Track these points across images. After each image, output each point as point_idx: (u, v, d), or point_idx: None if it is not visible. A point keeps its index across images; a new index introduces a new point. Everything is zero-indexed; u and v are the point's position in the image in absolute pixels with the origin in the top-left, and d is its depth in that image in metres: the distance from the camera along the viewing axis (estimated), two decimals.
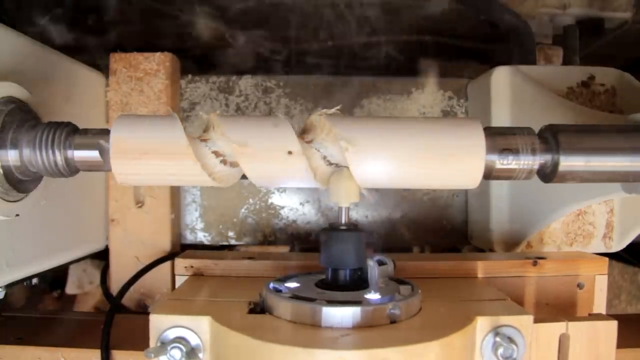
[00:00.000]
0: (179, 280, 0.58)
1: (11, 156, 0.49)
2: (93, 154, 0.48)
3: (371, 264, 0.45)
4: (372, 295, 0.44)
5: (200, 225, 0.90)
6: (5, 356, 0.61)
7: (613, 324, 0.48)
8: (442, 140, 0.45)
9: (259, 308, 0.46)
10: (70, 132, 0.49)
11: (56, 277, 0.99)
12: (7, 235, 0.58)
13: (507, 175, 0.48)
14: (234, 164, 0.47)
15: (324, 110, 0.46)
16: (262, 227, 0.90)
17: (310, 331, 0.41)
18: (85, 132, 0.49)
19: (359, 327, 0.41)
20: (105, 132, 0.48)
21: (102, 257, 0.86)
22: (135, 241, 0.82)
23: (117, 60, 0.82)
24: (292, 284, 0.48)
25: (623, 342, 0.48)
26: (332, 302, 0.42)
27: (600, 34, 0.88)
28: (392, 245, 0.90)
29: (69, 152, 0.48)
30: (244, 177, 0.47)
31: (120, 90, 0.82)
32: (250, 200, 0.90)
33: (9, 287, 0.59)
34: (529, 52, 0.82)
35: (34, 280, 0.84)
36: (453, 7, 0.83)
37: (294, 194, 0.90)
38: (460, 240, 0.91)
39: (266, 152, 0.45)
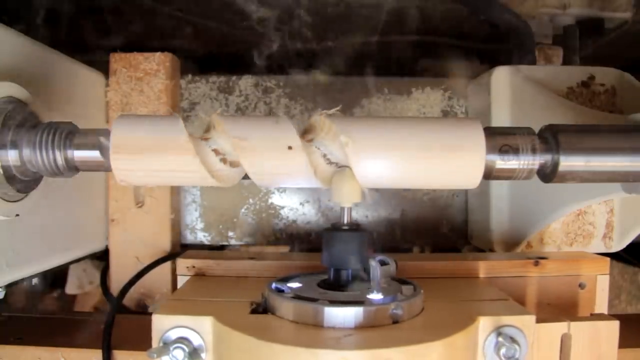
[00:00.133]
0: (181, 280, 0.58)
1: (11, 156, 0.49)
2: (93, 154, 0.48)
3: (373, 264, 0.45)
4: (375, 296, 0.44)
5: (200, 225, 0.90)
6: (5, 356, 0.61)
7: (615, 324, 0.48)
8: (442, 140, 0.45)
9: (261, 308, 0.46)
10: (70, 132, 0.49)
11: (56, 277, 0.99)
12: (7, 235, 0.58)
13: (507, 175, 0.48)
14: (233, 164, 0.47)
15: (324, 111, 0.46)
16: (262, 227, 0.90)
17: (313, 331, 0.41)
18: (85, 132, 0.49)
19: (361, 327, 0.41)
20: (106, 132, 0.48)
21: (102, 257, 0.86)
22: (135, 241, 0.82)
23: (117, 60, 0.82)
24: (295, 284, 0.48)
25: (623, 342, 0.48)
26: (334, 302, 0.43)
27: (600, 34, 0.88)
28: (392, 245, 0.90)
29: (69, 152, 0.48)
30: (245, 177, 0.47)
31: (120, 90, 0.82)
32: (250, 200, 0.90)
33: (9, 287, 0.59)
34: (529, 52, 0.82)
35: (34, 280, 0.84)
36: (453, 7, 0.83)
37: (294, 194, 0.90)
38: (460, 240, 0.91)
39: (266, 146, 0.44)
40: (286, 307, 0.44)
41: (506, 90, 0.78)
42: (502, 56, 0.85)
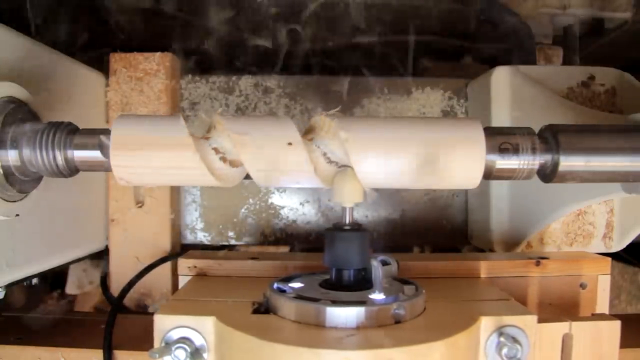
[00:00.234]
0: (182, 280, 0.58)
1: (11, 156, 0.49)
2: (93, 154, 0.48)
3: (375, 264, 0.45)
4: (377, 296, 0.44)
5: (200, 225, 0.90)
6: (5, 356, 0.61)
7: (616, 324, 0.48)
8: (442, 140, 0.45)
9: (263, 308, 0.46)
10: (70, 132, 0.49)
11: (56, 277, 0.99)
12: (7, 235, 0.58)
13: (507, 175, 0.48)
14: (233, 163, 0.47)
15: (325, 112, 0.46)
16: (262, 227, 0.90)
17: (315, 331, 0.41)
18: (85, 132, 0.49)
19: (363, 327, 0.41)
20: (106, 131, 0.48)
21: (102, 257, 0.86)
22: (135, 241, 0.82)
23: (117, 60, 0.82)
24: (296, 284, 0.48)
25: (623, 342, 0.48)
26: (336, 303, 0.43)
27: (600, 34, 0.88)
28: (391, 245, 0.90)
29: (69, 152, 0.48)
30: (246, 177, 0.47)
31: (120, 90, 0.82)
32: (250, 200, 0.90)
33: (9, 287, 0.59)
34: (529, 52, 0.83)
35: (34, 280, 0.84)
36: (453, 7, 0.83)
37: (294, 194, 0.90)
38: (460, 240, 0.91)
39: (266, 142, 0.45)
40: (288, 307, 0.44)
41: (506, 90, 0.78)
42: (502, 56, 0.85)
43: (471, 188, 0.47)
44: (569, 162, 0.47)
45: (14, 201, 0.53)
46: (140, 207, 0.83)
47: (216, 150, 0.46)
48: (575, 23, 0.87)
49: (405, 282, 0.49)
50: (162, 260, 0.79)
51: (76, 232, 0.76)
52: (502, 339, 0.43)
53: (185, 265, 0.59)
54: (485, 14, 0.82)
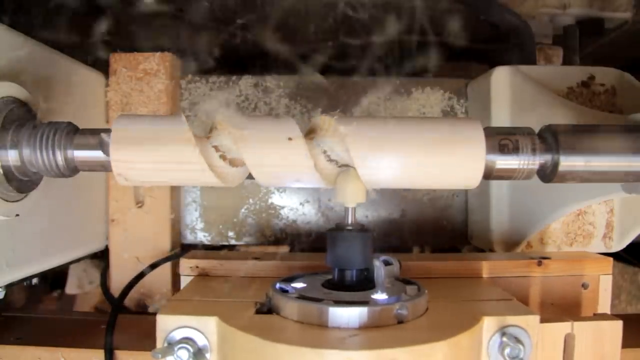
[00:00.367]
0: (184, 281, 0.58)
1: (11, 156, 0.49)
2: (93, 154, 0.48)
3: (377, 264, 0.45)
4: (379, 296, 0.44)
5: (200, 225, 0.90)
6: (5, 356, 0.61)
7: (618, 324, 0.48)
8: (442, 140, 0.45)
9: (266, 308, 0.46)
10: (70, 132, 0.49)
11: (56, 277, 0.99)
12: (7, 235, 0.58)
13: (507, 175, 0.48)
14: (233, 161, 0.46)
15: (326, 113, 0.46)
16: (262, 227, 0.90)
17: (318, 331, 0.41)
18: (85, 132, 0.49)
19: (366, 327, 0.41)
20: (107, 130, 0.48)
21: (102, 257, 0.86)
22: (135, 241, 0.82)
23: (117, 60, 0.82)
24: (299, 284, 0.48)
25: (624, 342, 0.48)
26: (339, 303, 0.43)
27: (600, 34, 0.88)
28: (391, 245, 0.90)
29: (69, 152, 0.48)
30: (249, 177, 0.47)
31: (120, 90, 0.82)
32: (250, 200, 0.90)
33: (9, 287, 0.59)
34: (529, 52, 0.83)
35: (34, 280, 0.84)
36: (453, 7, 0.83)
37: (294, 194, 0.90)
38: (460, 240, 0.91)
39: (266, 137, 0.45)
40: (291, 308, 0.44)
41: (506, 90, 0.78)
42: (502, 56, 0.85)
43: (471, 188, 0.47)
44: (569, 162, 0.47)
45: (14, 201, 0.53)
46: (140, 207, 0.82)
47: (216, 148, 0.46)
48: (575, 23, 0.87)
49: (408, 282, 0.49)
50: (163, 261, 0.79)
51: (76, 232, 0.76)
52: (504, 339, 0.43)
53: (187, 265, 0.59)
54: (486, 13, 0.82)
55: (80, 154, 0.48)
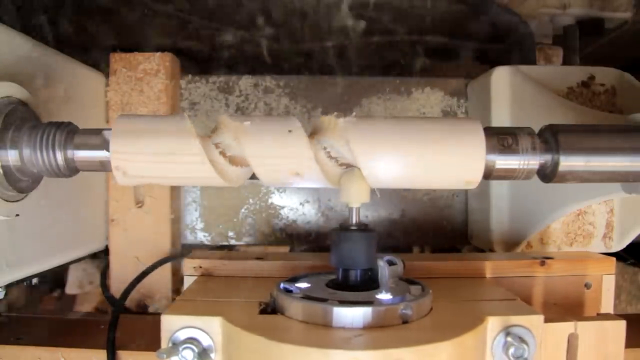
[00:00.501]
0: (187, 280, 0.58)
1: (11, 156, 0.49)
2: (93, 154, 0.48)
3: (381, 264, 0.45)
4: (384, 296, 0.44)
5: (200, 225, 0.90)
6: (5, 356, 0.61)
7: (621, 324, 0.48)
8: (443, 140, 0.45)
9: (270, 308, 0.46)
10: (70, 132, 0.49)
11: (56, 277, 0.99)
12: (7, 235, 0.58)
13: (507, 175, 0.48)
14: (233, 159, 0.46)
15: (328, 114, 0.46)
16: (262, 227, 0.90)
17: (324, 332, 0.41)
18: (85, 132, 0.49)
19: (370, 327, 0.41)
20: (107, 130, 0.48)
21: (102, 257, 0.86)
22: (135, 241, 0.82)
23: (117, 60, 0.82)
24: (303, 285, 0.48)
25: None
26: (344, 303, 0.43)
27: (600, 34, 0.88)
28: (392, 245, 0.90)
29: (69, 152, 0.48)
30: (252, 177, 0.47)
31: (120, 90, 0.82)
32: (250, 200, 0.90)
33: (9, 287, 0.59)
34: (529, 52, 0.83)
35: (34, 280, 0.84)
36: (453, 7, 0.83)
37: (294, 194, 0.90)
38: (460, 240, 0.91)
39: (266, 128, 0.45)
40: (295, 308, 0.44)
41: (506, 90, 0.78)
42: (502, 56, 0.85)
43: (471, 188, 0.47)
44: (569, 162, 0.47)
45: (14, 201, 0.53)
46: (140, 207, 0.82)
47: (217, 145, 0.46)
48: (575, 23, 0.87)
49: (411, 282, 0.49)
50: (164, 261, 0.79)
51: (76, 232, 0.76)
52: (509, 338, 0.43)
53: (191, 265, 0.59)
54: (486, 14, 0.82)
55: (80, 154, 0.48)
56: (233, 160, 0.47)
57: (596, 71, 0.79)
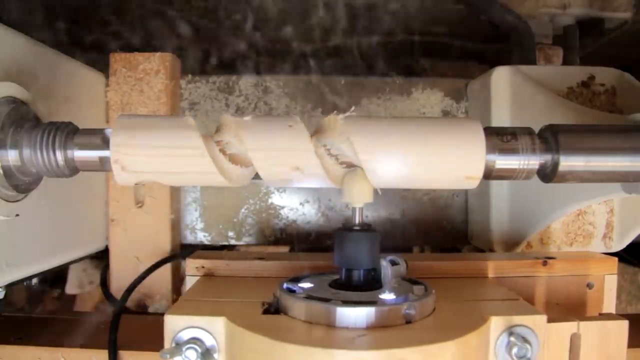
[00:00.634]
0: (190, 281, 0.58)
1: (11, 156, 0.49)
2: (93, 154, 0.48)
3: (384, 264, 0.45)
4: (387, 296, 0.44)
5: (200, 225, 0.90)
6: (5, 356, 0.61)
7: (624, 324, 0.48)
8: (443, 140, 0.45)
9: (273, 308, 0.46)
10: (70, 132, 0.49)
11: (56, 277, 0.99)
12: (7, 235, 0.58)
13: (507, 175, 0.48)
14: (233, 157, 0.46)
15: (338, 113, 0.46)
16: (262, 227, 0.90)
17: (327, 331, 0.41)
18: (85, 132, 0.49)
19: (373, 327, 0.41)
20: (108, 129, 0.48)
21: (102, 257, 0.86)
22: (135, 241, 0.82)
23: (117, 60, 0.82)
24: (306, 284, 0.48)
25: None
26: (347, 303, 0.43)
27: (600, 34, 0.88)
28: (391, 245, 0.90)
29: (69, 152, 0.48)
30: (255, 177, 0.47)
31: (120, 90, 0.82)
32: (250, 200, 0.90)
33: (9, 287, 0.59)
34: (529, 52, 0.83)
35: (34, 280, 0.84)
36: (453, 7, 0.84)
37: (294, 194, 0.90)
38: (460, 240, 0.91)
39: (267, 124, 0.45)
40: (299, 307, 0.44)
41: (506, 90, 0.78)
42: (502, 56, 0.85)
43: (471, 188, 0.47)
44: (569, 162, 0.47)
45: (14, 201, 0.53)
46: (140, 207, 0.82)
47: (218, 143, 0.46)
48: (575, 23, 0.87)
49: (414, 282, 0.49)
50: (166, 260, 0.79)
51: (76, 232, 0.76)
52: (512, 338, 0.43)
53: (194, 265, 0.59)
54: (486, 13, 0.82)
55: (80, 154, 0.48)
56: (233, 159, 0.46)
57: (596, 71, 0.79)
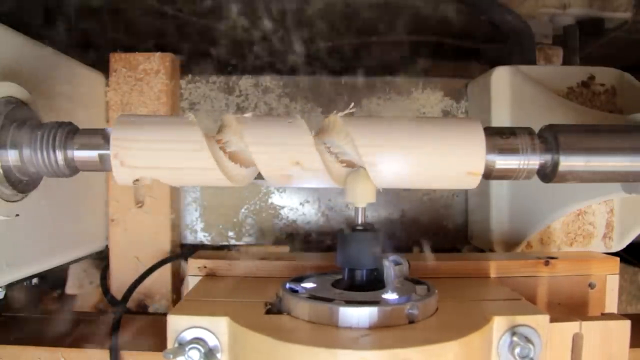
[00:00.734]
0: (192, 281, 0.58)
1: (11, 156, 0.49)
2: (93, 154, 0.48)
3: (387, 264, 0.45)
4: (390, 296, 0.44)
5: (200, 225, 0.90)
6: (5, 356, 0.61)
7: (626, 324, 0.48)
8: (443, 140, 0.45)
9: (276, 308, 0.46)
10: (70, 132, 0.49)
11: (56, 277, 0.99)
12: (7, 235, 0.58)
13: (507, 175, 0.48)
14: (234, 155, 0.46)
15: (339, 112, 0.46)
16: (262, 227, 0.90)
17: (331, 331, 0.41)
18: (85, 132, 0.49)
19: (377, 327, 0.41)
20: (108, 129, 0.48)
21: (102, 257, 0.86)
22: (135, 241, 0.82)
23: (117, 60, 0.82)
24: (309, 284, 0.48)
25: None
26: (350, 303, 0.43)
27: (600, 34, 0.88)
28: (391, 246, 0.90)
29: (69, 152, 0.48)
30: (257, 177, 0.47)
31: (120, 90, 0.82)
32: (250, 200, 0.90)
33: (9, 287, 0.59)
34: (529, 52, 0.83)
35: (34, 280, 0.84)
36: (453, 7, 0.83)
37: (294, 194, 0.90)
38: (460, 240, 0.91)
39: (267, 120, 0.46)
40: (302, 308, 0.44)
41: (506, 90, 0.78)
42: (502, 56, 0.85)
43: (471, 188, 0.47)
44: (569, 162, 0.47)
45: (14, 201, 0.53)
46: (140, 207, 0.82)
47: (219, 141, 0.46)
48: (575, 23, 0.87)
49: (417, 282, 0.49)
50: (166, 261, 0.79)
51: (76, 232, 0.76)
52: (515, 338, 0.43)
53: (195, 265, 0.59)
54: (486, 13, 0.82)
55: (80, 154, 0.48)
56: (234, 157, 0.46)
57: (596, 71, 0.79)
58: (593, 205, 0.78)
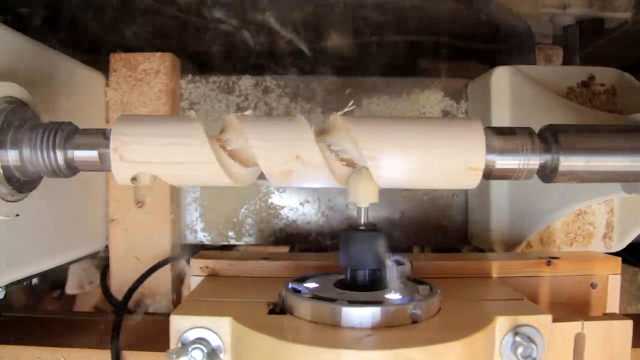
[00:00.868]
0: (194, 281, 0.58)
1: (11, 156, 0.49)
2: (93, 154, 0.48)
3: (390, 264, 0.45)
4: (393, 296, 0.44)
5: (200, 225, 0.90)
6: (5, 356, 0.61)
7: (628, 324, 0.48)
8: (443, 140, 0.45)
9: (279, 308, 0.46)
10: (70, 132, 0.49)
11: (56, 277, 0.99)
12: (7, 235, 0.58)
13: (507, 175, 0.48)
14: (234, 153, 0.46)
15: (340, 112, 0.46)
16: (262, 227, 0.90)
17: (333, 332, 0.41)
18: (85, 132, 0.49)
19: (380, 327, 0.41)
20: (108, 130, 0.48)
21: (102, 257, 0.86)
22: (135, 241, 0.82)
23: (117, 60, 0.82)
24: (311, 284, 0.48)
25: None
26: (353, 303, 0.43)
27: (600, 34, 0.88)
28: (391, 246, 0.90)
29: (69, 152, 0.48)
30: (260, 177, 0.47)
31: (120, 90, 0.82)
32: (250, 200, 0.90)
33: (9, 287, 0.59)
34: (529, 52, 0.83)
35: (34, 280, 0.84)
36: (453, 7, 0.83)
37: (294, 194, 0.90)
38: (460, 240, 0.91)
39: (267, 118, 0.46)
40: (304, 308, 0.44)
41: (506, 90, 0.78)
42: (502, 56, 0.85)
43: (471, 188, 0.47)
44: (569, 162, 0.47)
45: (14, 201, 0.53)
46: (140, 207, 0.82)
47: (220, 140, 0.46)
48: (575, 23, 0.87)
49: (419, 282, 0.49)
50: (166, 261, 0.79)
51: (76, 232, 0.76)
52: (517, 338, 0.43)
53: (198, 265, 0.59)
54: (486, 13, 0.82)
55: (80, 154, 0.48)
56: (234, 156, 0.46)
57: (596, 71, 0.79)
58: (593, 205, 0.78)
